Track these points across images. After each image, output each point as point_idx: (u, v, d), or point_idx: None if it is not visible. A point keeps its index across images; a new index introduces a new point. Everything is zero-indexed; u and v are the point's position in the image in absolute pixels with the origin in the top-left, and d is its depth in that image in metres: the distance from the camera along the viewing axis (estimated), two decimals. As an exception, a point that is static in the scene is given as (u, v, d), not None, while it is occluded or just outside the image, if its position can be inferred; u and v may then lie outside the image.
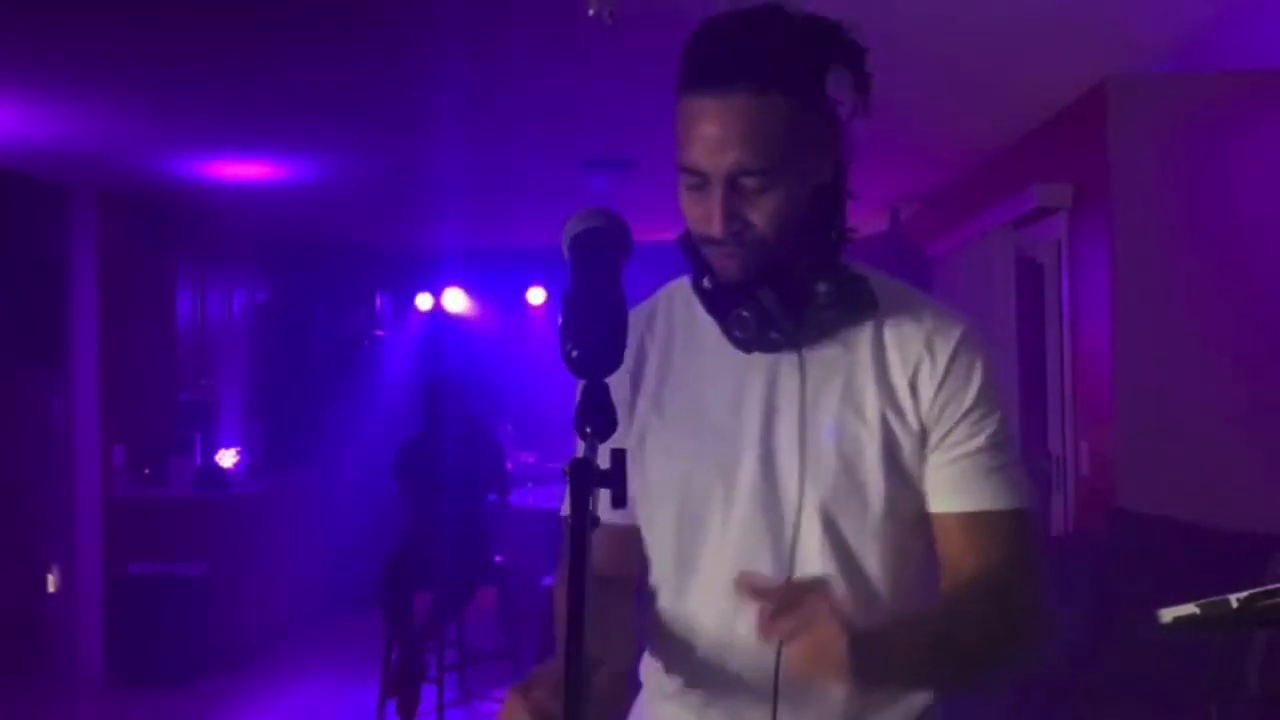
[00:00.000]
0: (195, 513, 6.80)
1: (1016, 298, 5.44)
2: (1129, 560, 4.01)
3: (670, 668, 1.48)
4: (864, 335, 1.43)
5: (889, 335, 1.43)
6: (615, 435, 1.28)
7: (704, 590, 1.43)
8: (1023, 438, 5.45)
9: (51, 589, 6.51)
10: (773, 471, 1.40)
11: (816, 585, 1.28)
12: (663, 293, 1.52)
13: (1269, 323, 4.30)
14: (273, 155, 5.88)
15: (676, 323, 1.48)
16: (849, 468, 1.40)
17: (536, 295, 9.52)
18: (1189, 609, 1.34)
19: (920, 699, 1.46)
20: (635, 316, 1.46)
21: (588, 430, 1.22)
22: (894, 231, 7.95)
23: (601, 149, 5.68)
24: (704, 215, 1.34)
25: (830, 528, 1.40)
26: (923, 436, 1.41)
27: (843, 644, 1.19)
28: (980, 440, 1.41)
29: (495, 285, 9.59)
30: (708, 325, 1.41)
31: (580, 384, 1.23)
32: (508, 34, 3.92)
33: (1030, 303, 5.38)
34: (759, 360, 1.40)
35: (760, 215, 1.33)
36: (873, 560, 1.42)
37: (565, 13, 3.39)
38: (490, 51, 4.10)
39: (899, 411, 1.41)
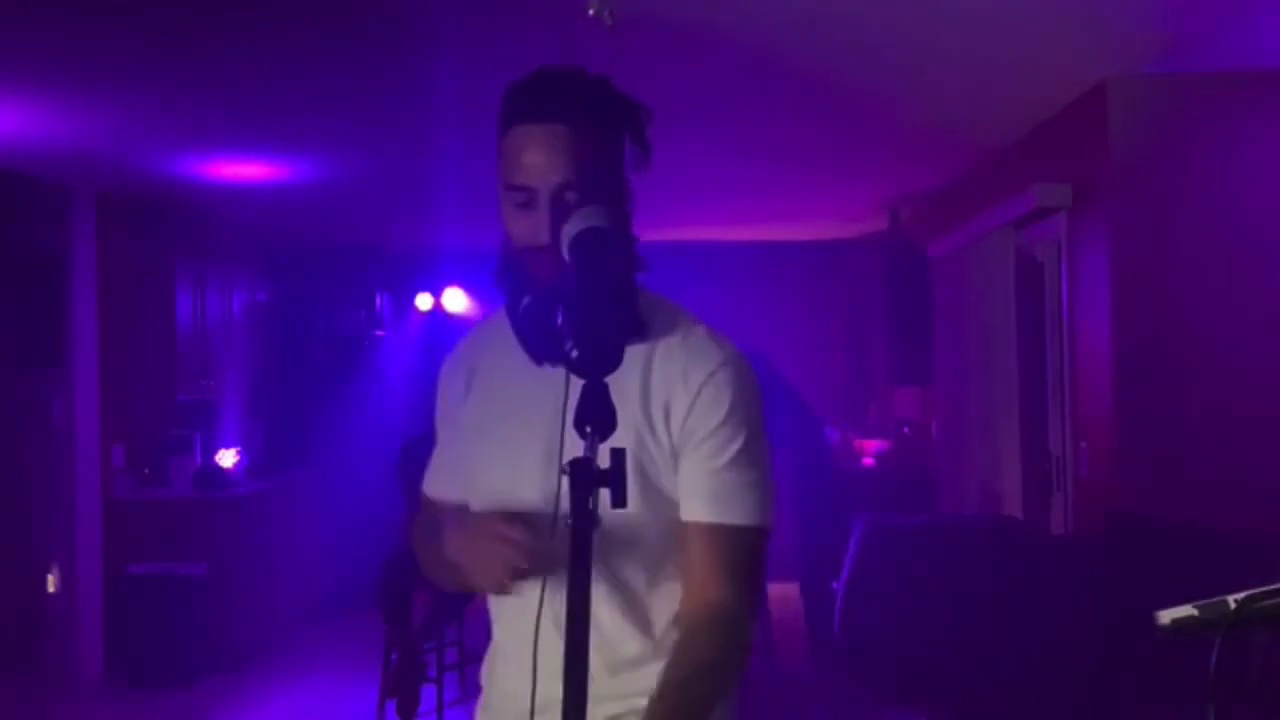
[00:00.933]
0: (195, 513, 6.79)
1: (1016, 298, 5.44)
2: (1129, 560, 4.01)
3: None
4: (637, 356, 1.52)
5: (656, 358, 1.55)
6: (451, 441, 1.64)
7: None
8: (1023, 438, 5.46)
9: (51, 589, 6.51)
10: (547, 482, 1.52)
11: None
12: (492, 315, 1.68)
13: (1269, 322, 4.30)
14: (273, 155, 5.88)
15: (495, 340, 1.62)
16: None
17: (536, 295, 9.51)
18: (1188, 610, 1.34)
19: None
20: (473, 334, 1.74)
21: (588, 430, 1.22)
22: (894, 231, 7.95)
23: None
24: (532, 227, 1.50)
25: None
26: (674, 454, 1.53)
27: None
28: (725, 458, 1.52)
29: (495, 285, 9.58)
30: (513, 342, 1.56)
31: (580, 384, 1.24)
32: (508, 34, 3.92)
33: (1030, 303, 5.38)
34: (554, 374, 1.48)
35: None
36: (633, 568, 1.55)
37: (565, 13, 3.39)
38: (490, 51, 4.10)
39: (652, 430, 1.53)
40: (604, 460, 1.24)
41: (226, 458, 7.51)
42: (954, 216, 6.55)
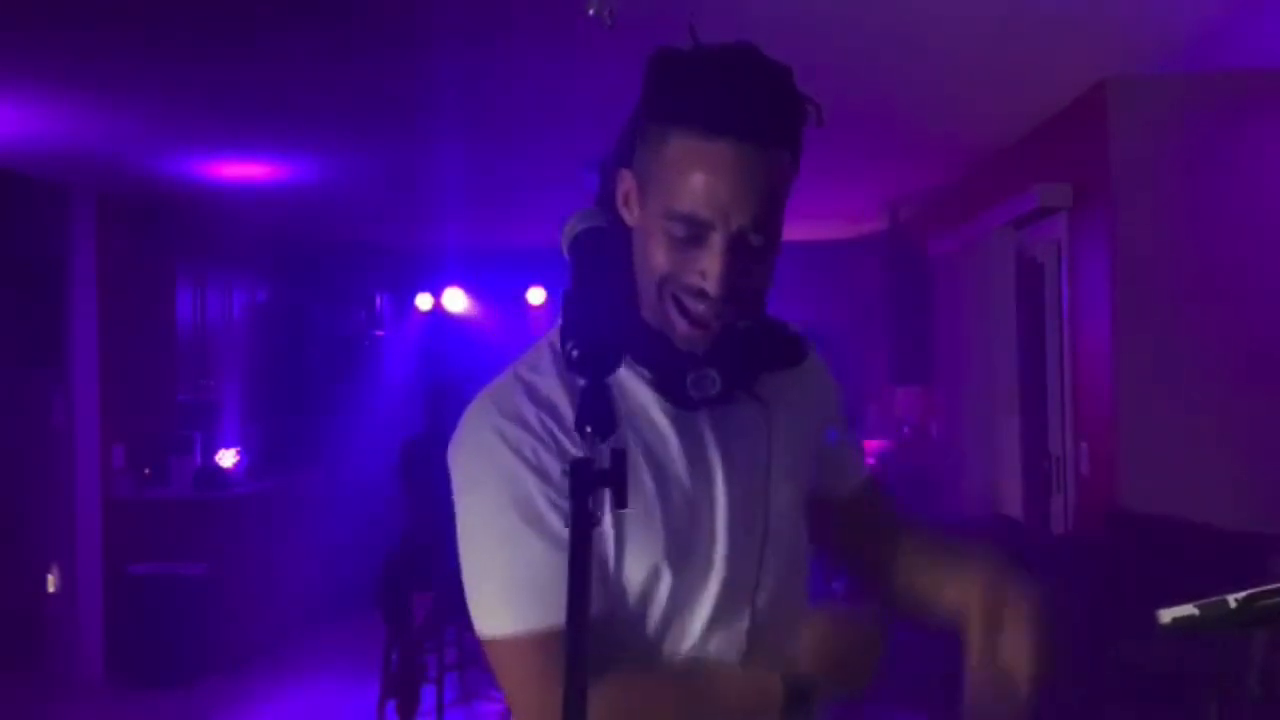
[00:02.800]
0: (195, 513, 6.79)
1: (1016, 298, 5.44)
2: (1129, 560, 4.01)
3: None
4: (783, 382, 1.38)
5: (804, 379, 1.42)
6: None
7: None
8: (1023, 438, 5.46)
9: (51, 589, 6.51)
10: (744, 523, 1.35)
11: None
12: (542, 363, 1.33)
13: (1269, 322, 4.30)
14: (273, 155, 5.88)
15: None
16: (794, 519, 1.42)
17: (536, 295, 9.53)
18: (1188, 609, 1.34)
19: None
20: (535, 379, 1.31)
21: (588, 430, 1.21)
22: (894, 231, 7.95)
23: (601, 149, 5.67)
24: (695, 269, 1.23)
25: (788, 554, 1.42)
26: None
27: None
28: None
29: (495, 285, 9.60)
30: (634, 382, 1.30)
31: (580, 384, 1.22)
32: (508, 34, 3.92)
33: (1030, 303, 5.38)
34: (702, 416, 1.30)
35: (759, 277, 1.26)
36: (801, 583, 1.44)
37: (565, 13, 3.39)
38: (490, 51, 4.10)
39: (808, 448, 1.44)
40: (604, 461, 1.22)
41: (226, 458, 7.51)
42: (954, 216, 6.55)
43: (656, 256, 1.25)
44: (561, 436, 1.26)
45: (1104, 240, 4.44)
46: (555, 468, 1.23)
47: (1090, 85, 4.50)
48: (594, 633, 1.14)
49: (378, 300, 9.69)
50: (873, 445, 8.50)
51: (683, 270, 1.23)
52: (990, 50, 4.11)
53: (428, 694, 5.52)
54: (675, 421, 1.30)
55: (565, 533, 1.12)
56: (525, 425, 1.26)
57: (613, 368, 1.26)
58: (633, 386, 1.32)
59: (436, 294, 9.63)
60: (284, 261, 8.71)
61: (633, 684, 1.24)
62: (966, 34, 3.91)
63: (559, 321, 1.28)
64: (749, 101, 1.20)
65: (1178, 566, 3.72)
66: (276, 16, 3.74)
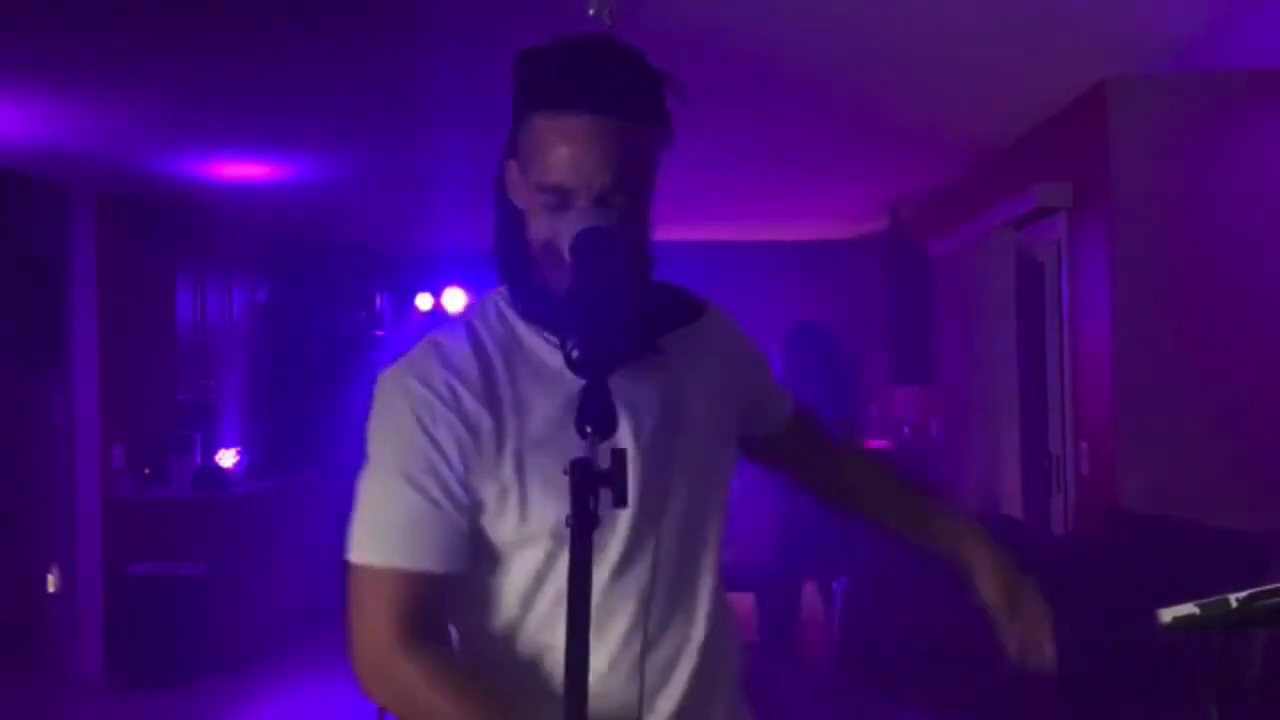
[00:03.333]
0: (195, 513, 6.79)
1: (1016, 298, 5.44)
2: (1129, 560, 4.01)
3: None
4: (687, 341, 1.49)
5: (708, 336, 1.54)
6: (476, 472, 1.34)
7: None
8: (1023, 438, 5.46)
9: (51, 589, 6.51)
10: (651, 476, 1.40)
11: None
12: (469, 317, 1.45)
13: (1269, 322, 4.30)
14: (273, 155, 5.88)
15: (507, 345, 1.41)
16: (703, 461, 1.50)
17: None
18: (1189, 609, 1.34)
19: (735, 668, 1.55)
20: (451, 344, 1.40)
21: (588, 430, 1.21)
22: (894, 231, 7.95)
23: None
24: (568, 231, 1.31)
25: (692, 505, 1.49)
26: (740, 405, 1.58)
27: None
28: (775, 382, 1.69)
29: (495, 285, 9.58)
30: (541, 346, 1.40)
31: (580, 383, 1.23)
32: (508, 34, 3.92)
33: (1030, 303, 5.38)
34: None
35: (631, 232, 1.36)
36: (713, 538, 1.50)
37: (565, 13, 3.39)
38: (490, 51, 4.10)
39: (725, 393, 1.54)
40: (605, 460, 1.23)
41: (226, 458, 7.51)
42: (954, 216, 6.55)
43: (538, 227, 1.37)
44: (465, 398, 1.36)
45: (1104, 240, 4.44)
46: (450, 431, 1.34)
47: (1090, 85, 4.50)
48: (476, 580, 1.37)
49: (378, 300, 9.68)
50: (873, 445, 8.50)
51: (559, 235, 1.33)
52: (990, 50, 4.11)
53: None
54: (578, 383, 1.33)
55: (439, 492, 1.32)
56: (431, 387, 1.36)
57: (614, 367, 1.26)
58: (537, 347, 1.41)
59: (436, 294, 9.62)
60: (284, 261, 8.70)
61: (428, 673, 1.34)
62: (966, 34, 3.91)
63: (485, 296, 1.47)
64: (593, 77, 1.32)
65: (1178, 566, 3.72)
66: (276, 16, 3.74)
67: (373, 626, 1.38)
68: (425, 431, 1.36)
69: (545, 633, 1.40)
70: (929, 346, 7.53)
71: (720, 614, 1.50)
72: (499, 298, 1.46)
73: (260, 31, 3.89)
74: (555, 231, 1.35)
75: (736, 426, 1.57)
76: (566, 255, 1.34)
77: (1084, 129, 4.64)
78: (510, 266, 1.42)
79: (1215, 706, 1.37)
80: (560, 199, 1.34)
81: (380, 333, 9.61)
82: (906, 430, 8.23)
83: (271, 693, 6.43)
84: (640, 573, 1.41)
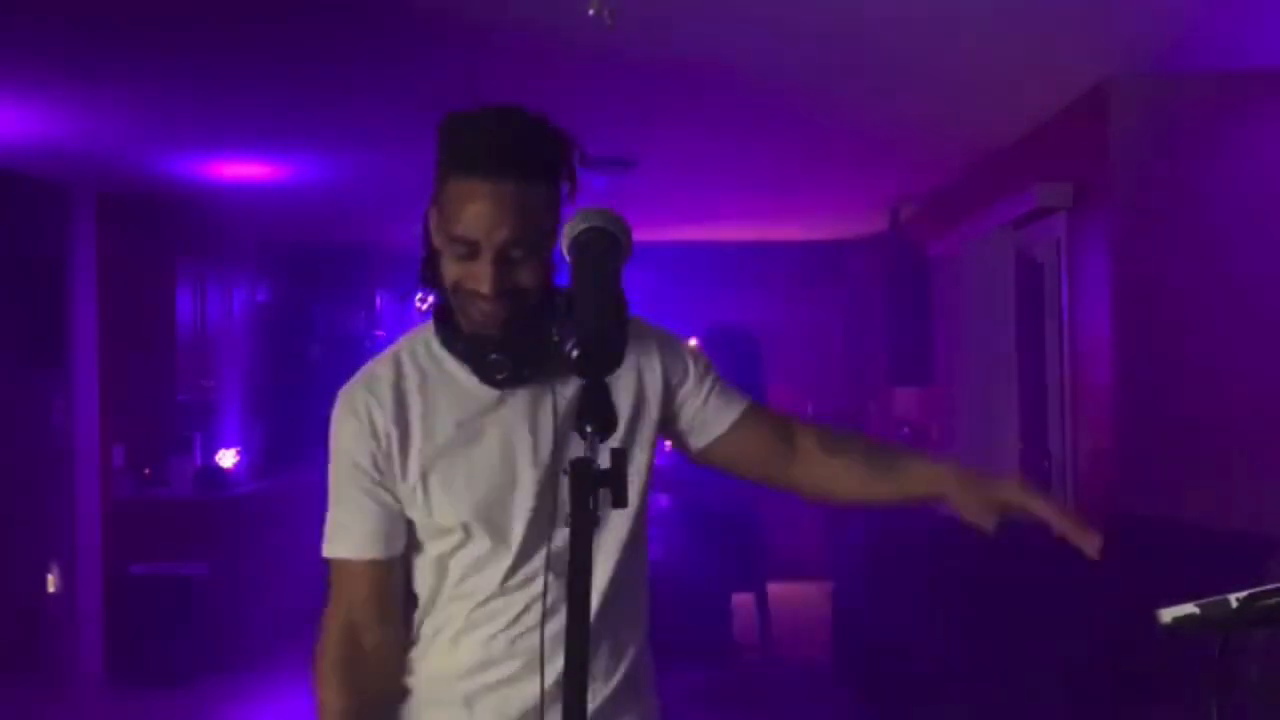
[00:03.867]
0: (195, 513, 6.79)
1: (1016, 298, 5.44)
2: (1129, 561, 4.01)
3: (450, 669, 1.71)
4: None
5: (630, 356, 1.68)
6: (390, 478, 1.65)
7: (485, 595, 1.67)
8: (1023, 438, 5.45)
9: (51, 589, 6.51)
10: (545, 488, 1.63)
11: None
12: (399, 348, 1.73)
13: (1268, 322, 4.30)
14: (273, 155, 5.88)
15: (427, 370, 1.68)
16: None
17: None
18: (1189, 609, 1.34)
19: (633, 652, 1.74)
20: (379, 370, 1.70)
21: (588, 430, 1.22)
22: (894, 231, 7.95)
23: (601, 148, 5.68)
24: (472, 277, 1.55)
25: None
26: (663, 422, 1.75)
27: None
28: (714, 378, 1.79)
29: (432, 316, 9.57)
30: (458, 370, 1.65)
31: (492, 395, 1.25)
32: (507, 33, 3.92)
33: (1030, 303, 5.38)
34: (517, 396, 1.64)
35: (525, 278, 1.56)
36: (616, 544, 1.69)
37: (565, 13, 3.39)
38: (490, 51, 4.10)
39: (643, 409, 1.72)
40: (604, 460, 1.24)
41: (226, 458, 7.51)
42: (954, 216, 6.55)
43: (449, 270, 1.59)
44: (378, 418, 1.66)
45: (1104, 240, 4.44)
46: (364, 445, 1.66)
47: (1090, 85, 4.50)
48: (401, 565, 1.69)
49: (378, 300, 9.68)
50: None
51: (465, 279, 1.57)
52: (990, 50, 4.11)
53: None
54: (489, 403, 1.64)
55: (364, 497, 1.65)
56: (355, 413, 1.68)
57: (614, 366, 1.28)
58: (454, 370, 1.66)
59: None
60: (284, 261, 8.70)
61: (333, 640, 1.67)
62: (967, 34, 3.91)
63: (419, 328, 1.73)
64: (498, 147, 1.53)
65: (1178, 566, 3.72)
66: (276, 17, 3.74)
67: (333, 608, 1.70)
68: (348, 449, 1.68)
69: (456, 603, 1.68)
70: (929, 346, 7.53)
71: (621, 593, 1.70)
72: (429, 331, 1.70)
73: (260, 31, 3.89)
74: (462, 276, 1.57)
75: (651, 437, 1.73)
76: (566, 253, 1.49)
77: (1084, 129, 4.64)
78: (436, 304, 1.68)
79: (1215, 706, 1.37)
80: (467, 249, 1.55)
81: (380, 333, 9.61)
82: (906, 430, 8.23)
83: (271, 693, 6.43)
84: (532, 591, 1.65)
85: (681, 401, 1.76)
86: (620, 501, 1.21)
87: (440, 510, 1.64)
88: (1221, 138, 4.35)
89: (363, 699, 1.68)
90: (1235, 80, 4.33)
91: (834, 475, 1.79)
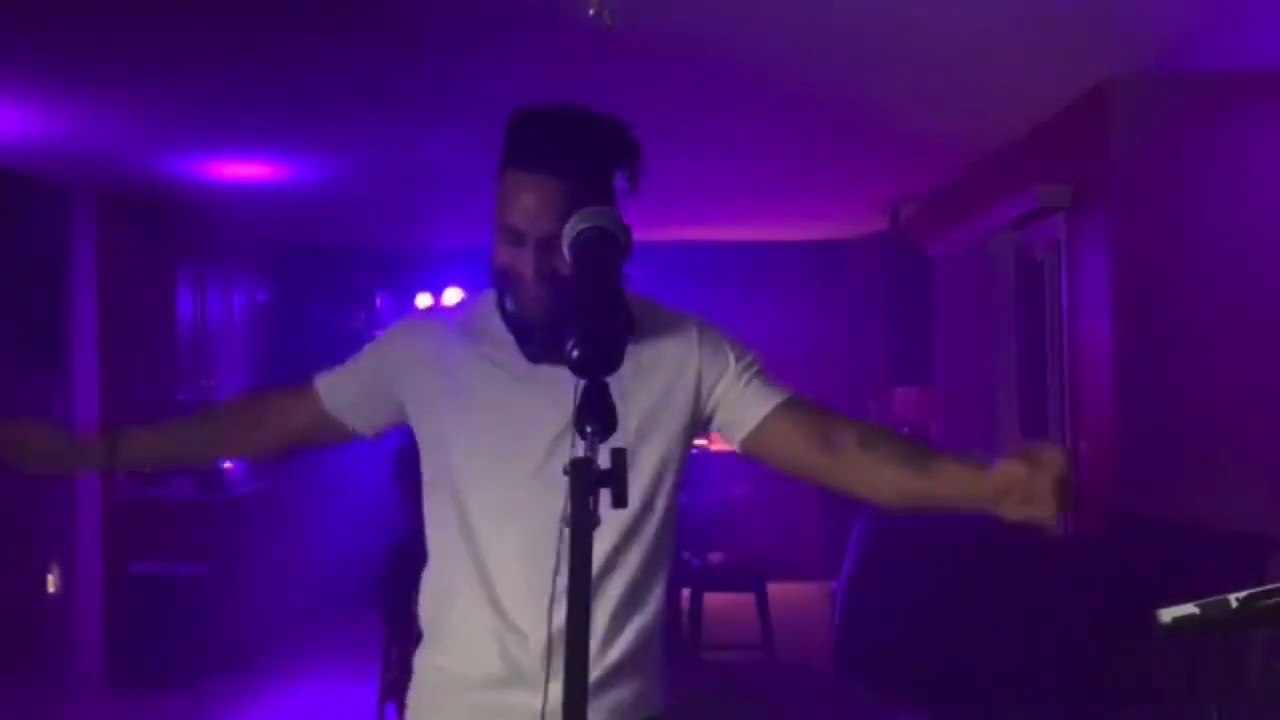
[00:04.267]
0: (195, 513, 6.79)
1: (1016, 298, 5.45)
2: (1129, 561, 4.01)
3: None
4: (639, 353, 1.72)
5: (646, 348, 1.75)
6: (399, 385, 1.83)
7: (508, 541, 1.74)
8: (1022, 438, 5.46)
9: (51, 589, 6.51)
10: (555, 455, 1.67)
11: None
12: (472, 301, 1.88)
13: (1268, 322, 4.30)
14: (273, 155, 5.88)
15: (484, 326, 1.80)
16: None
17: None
18: (1189, 609, 1.34)
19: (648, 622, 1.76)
20: (447, 313, 1.90)
21: (588, 430, 1.22)
22: (894, 231, 7.96)
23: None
24: (517, 262, 1.69)
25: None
26: (696, 422, 1.78)
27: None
28: (759, 369, 1.79)
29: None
30: (505, 336, 1.76)
31: (580, 383, 1.24)
32: (508, 34, 3.92)
33: (1030, 303, 5.38)
34: (547, 375, 1.68)
35: (565, 267, 1.59)
36: (615, 530, 1.70)
37: (565, 13, 3.39)
38: (490, 51, 4.10)
39: (669, 401, 1.75)
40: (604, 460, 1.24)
41: (226, 458, 7.50)
42: (954, 216, 6.55)
43: (499, 255, 1.72)
44: (430, 343, 1.84)
45: (1104, 240, 4.44)
46: (404, 353, 1.86)
47: (1090, 85, 4.50)
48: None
49: (378, 300, 9.68)
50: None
51: (512, 264, 1.70)
52: (991, 50, 4.11)
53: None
54: (521, 373, 1.73)
55: (366, 365, 1.91)
56: (410, 328, 1.95)
57: (614, 367, 1.28)
58: (503, 338, 1.76)
59: (436, 294, 9.62)
60: (284, 261, 8.70)
61: None
62: (967, 34, 3.91)
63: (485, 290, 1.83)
64: (545, 144, 1.68)
65: (1178, 566, 3.72)
66: (276, 17, 3.74)
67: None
68: (389, 340, 1.93)
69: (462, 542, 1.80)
70: (929, 346, 7.53)
71: (614, 576, 1.71)
72: (493, 296, 1.80)
73: (260, 32, 3.89)
74: (508, 261, 1.70)
75: (675, 430, 1.76)
76: (567, 252, 1.52)
77: (1084, 129, 4.64)
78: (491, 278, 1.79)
79: (1215, 706, 1.37)
80: (515, 237, 1.68)
81: (380, 333, 9.60)
82: (906, 430, 8.23)
83: (271, 693, 6.43)
84: (544, 566, 1.61)
85: (720, 396, 1.77)
86: (620, 501, 1.21)
87: (454, 446, 1.77)
88: (1221, 138, 4.35)
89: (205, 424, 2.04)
90: (1235, 80, 4.33)
91: (871, 479, 1.78)
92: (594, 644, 1.67)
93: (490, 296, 1.80)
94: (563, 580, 1.33)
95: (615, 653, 1.72)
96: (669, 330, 1.77)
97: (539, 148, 1.67)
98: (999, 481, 1.72)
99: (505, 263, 1.71)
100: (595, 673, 1.66)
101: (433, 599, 1.91)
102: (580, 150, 1.68)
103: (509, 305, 1.73)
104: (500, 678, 1.72)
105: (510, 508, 1.73)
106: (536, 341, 1.69)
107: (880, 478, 1.78)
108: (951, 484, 1.79)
